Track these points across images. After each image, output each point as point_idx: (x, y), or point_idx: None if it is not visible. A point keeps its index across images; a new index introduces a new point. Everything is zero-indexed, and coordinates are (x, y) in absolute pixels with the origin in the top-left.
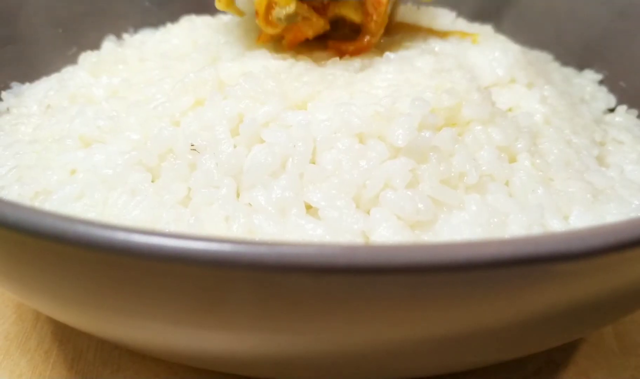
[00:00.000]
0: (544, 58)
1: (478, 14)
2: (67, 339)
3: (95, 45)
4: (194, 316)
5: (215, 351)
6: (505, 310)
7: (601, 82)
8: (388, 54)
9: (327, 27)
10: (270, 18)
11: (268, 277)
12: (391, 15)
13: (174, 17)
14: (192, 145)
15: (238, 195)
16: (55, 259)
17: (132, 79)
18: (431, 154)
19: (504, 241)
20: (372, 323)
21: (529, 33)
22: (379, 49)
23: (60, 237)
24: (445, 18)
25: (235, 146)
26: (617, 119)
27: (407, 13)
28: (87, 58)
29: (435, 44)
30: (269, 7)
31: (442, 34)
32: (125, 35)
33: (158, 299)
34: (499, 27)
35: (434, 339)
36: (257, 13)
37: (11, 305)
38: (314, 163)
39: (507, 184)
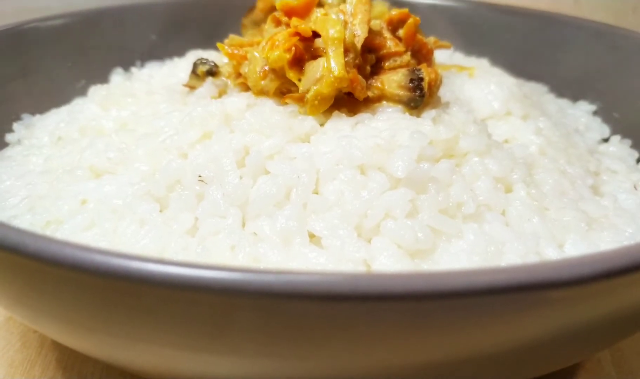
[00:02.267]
0: (539, 90)
1: (475, 48)
2: (71, 366)
3: (103, 78)
4: (203, 342)
5: (222, 377)
6: (502, 335)
7: (595, 113)
8: None
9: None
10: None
11: (274, 304)
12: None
13: (179, 51)
14: (200, 176)
15: (244, 225)
16: (71, 287)
17: (140, 112)
18: (430, 184)
19: (498, 269)
20: (374, 347)
21: (524, 65)
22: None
23: (78, 266)
24: (442, 52)
25: (241, 177)
26: (611, 148)
27: None
28: (96, 91)
29: None
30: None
31: (440, 68)
32: (133, 69)
33: (169, 324)
34: (495, 61)
35: (432, 363)
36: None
37: (16, 332)
38: (317, 194)
39: (503, 213)
